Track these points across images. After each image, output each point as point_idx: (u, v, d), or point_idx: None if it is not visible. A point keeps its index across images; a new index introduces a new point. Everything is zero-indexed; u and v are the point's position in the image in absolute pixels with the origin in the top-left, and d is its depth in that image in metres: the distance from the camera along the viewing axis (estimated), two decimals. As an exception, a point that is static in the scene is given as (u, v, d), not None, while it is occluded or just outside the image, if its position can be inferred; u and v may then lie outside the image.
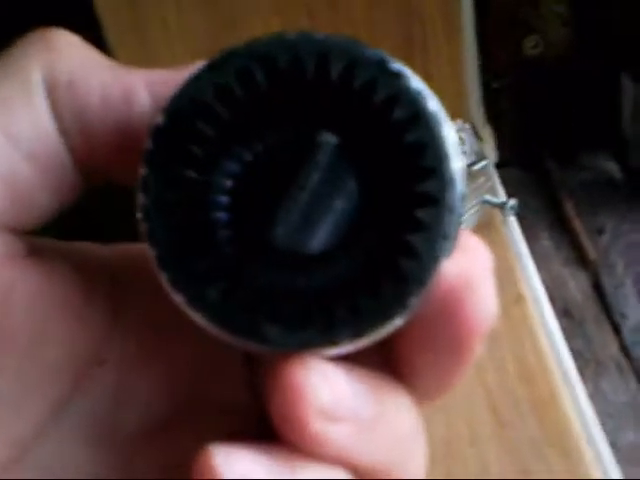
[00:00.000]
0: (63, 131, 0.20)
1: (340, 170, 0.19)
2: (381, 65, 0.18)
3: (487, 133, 0.67)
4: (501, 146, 0.68)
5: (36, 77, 0.20)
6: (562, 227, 0.66)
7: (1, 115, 0.19)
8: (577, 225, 0.65)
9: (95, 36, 0.53)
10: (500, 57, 0.64)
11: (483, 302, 0.19)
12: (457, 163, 0.19)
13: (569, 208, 0.66)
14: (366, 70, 0.18)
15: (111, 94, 0.20)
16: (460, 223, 0.19)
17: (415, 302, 0.18)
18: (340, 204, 0.19)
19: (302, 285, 0.19)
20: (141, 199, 0.19)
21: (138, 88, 0.20)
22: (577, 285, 0.63)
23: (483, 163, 0.63)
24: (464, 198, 0.19)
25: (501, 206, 0.61)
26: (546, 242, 0.65)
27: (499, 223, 0.62)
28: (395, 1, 0.57)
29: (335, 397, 0.18)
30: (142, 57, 0.57)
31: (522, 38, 0.63)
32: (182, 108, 0.19)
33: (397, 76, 0.18)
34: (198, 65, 0.19)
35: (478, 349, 0.19)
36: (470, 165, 0.63)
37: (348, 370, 0.19)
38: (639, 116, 0.65)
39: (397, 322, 0.18)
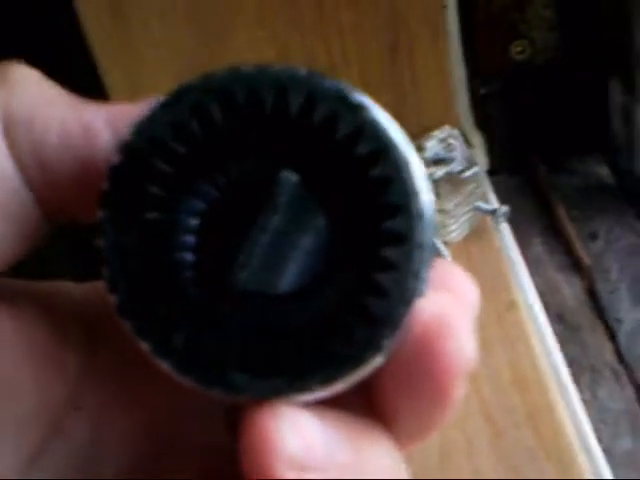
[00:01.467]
0: (22, 169, 0.19)
1: (305, 207, 0.18)
2: (342, 97, 0.18)
3: (477, 139, 0.66)
4: (491, 152, 0.68)
5: None
6: (555, 232, 0.66)
7: None
8: (570, 230, 0.65)
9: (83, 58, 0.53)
10: (488, 62, 0.64)
11: (460, 343, 0.18)
12: (426, 196, 0.18)
13: (561, 213, 0.66)
14: (326, 103, 0.18)
15: (70, 130, 0.19)
16: (433, 259, 0.18)
17: (388, 344, 0.18)
18: (308, 241, 0.18)
19: (270, 329, 0.18)
20: (100, 243, 0.18)
21: (98, 124, 0.19)
22: (571, 291, 0.63)
23: (474, 170, 0.63)
24: (435, 232, 0.18)
25: (493, 213, 0.61)
26: (539, 248, 0.65)
27: (491, 230, 0.62)
28: (381, 9, 0.57)
29: (306, 446, 0.18)
30: (128, 69, 0.57)
31: (509, 43, 0.63)
32: (138, 147, 0.18)
33: (359, 108, 0.18)
34: (155, 100, 0.18)
35: (459, 391, 0.18)
36: (460, 172, 0.62)
37: (322, 416, 0.18)
38: (628, 122, 0.64)
39: (371, 366, 0.18)
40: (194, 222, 0.18)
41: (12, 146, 0.19)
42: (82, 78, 0.55)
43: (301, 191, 0.18)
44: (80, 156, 0.19)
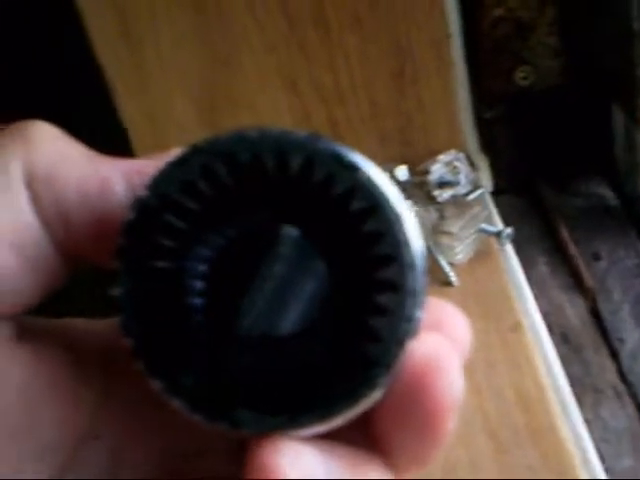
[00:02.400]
0: (44, 222, 0.21)
1: (305, 257, 0.20)
2: (337, 158, 0.19)
3: (482, 162, 0.68)
4: (496, 174, 0.69)
5: (16, 171, 0.20)
6: (558, 253, 0.67)
7: None
8: (573, 251, 0.66)
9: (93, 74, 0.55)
10: (492, 88, 0.65)
11: (449, 381, 0.19)
12: (417, 246, 0.19)
13: (565, 234, 0.67)
14: (323, 164, 0.19)
15: (88, 186, 0.21)
16: (424, 302, 0.19)
17: (383, 382, 0.19)
18: (308, 287, 0.20)
19: (272, 369, 0.19)
20: (115, 291, 0.20)
21: (114, 178, 0.21)
22: (575, 311, 0.64)
23: (478, 192, 0.64)
24: (426, 277, 0.20)
25: (498, 234, 0.62)
26: (543, 268, 0.66)
27: (496, 251, 0.62)
28: (387, 37, 0.58)
29: (306, 478, 0.19)
30: (139, 92, 0.58)
31: (513, 69, 0.64)
32: (151, 204, 0.20)
33: (353, 169, 0.19)
34: (169, 157, 0.20)
35: (450, 425, 0.20)
36: (465, 195, 0.64)
37: (322, 449, 0.19)
38: (631, 146, 0.65)
39: (366, 402, 0.19)
40: (203, 268, 0.20)
41: (34, 200, 0.21)
42: (93, 102, 0.57)
43: (301, 243, 0.20)
44: (97, 209, 0.21)
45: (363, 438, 0.21)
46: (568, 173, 0.70)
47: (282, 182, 0.20)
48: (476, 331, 0.59)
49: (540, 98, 0.66)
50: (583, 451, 0.52)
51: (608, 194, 0.70)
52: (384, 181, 0.20)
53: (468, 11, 0.62)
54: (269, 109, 0.59)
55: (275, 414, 0.19)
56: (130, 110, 0.56)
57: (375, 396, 0.19)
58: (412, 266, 0.19)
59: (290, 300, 0.20)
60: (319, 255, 0.20)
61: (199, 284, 0.20)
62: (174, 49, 0.56)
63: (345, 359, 0.19)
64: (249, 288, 0.20)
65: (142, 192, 0.20)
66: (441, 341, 0.20)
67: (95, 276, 0.20)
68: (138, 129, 0.56)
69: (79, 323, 0.24)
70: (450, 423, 0.20)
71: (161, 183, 0.20)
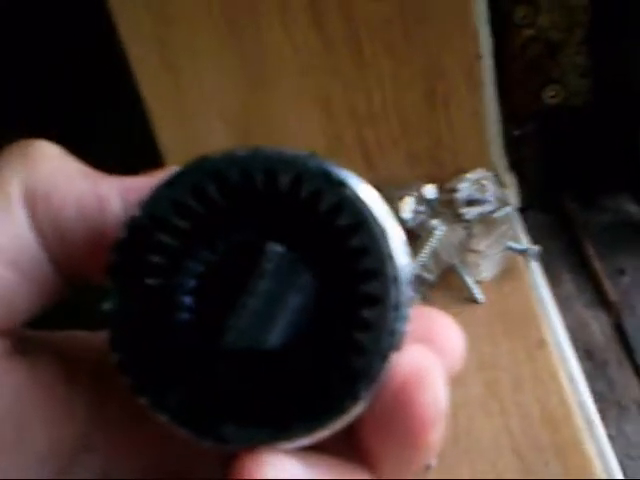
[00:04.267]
0: (41, 238, 0.21)
1: (292, 271, 0.20)
2: (326, 176, 0.20)
3: (509, 179, 0.68)
4: (523, 191, 0.69)
5: (15, 189, 0.21)
6: (584, 269, 0.67)
7: None
8: (598, 267, 0.67)
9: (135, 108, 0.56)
10: (521, 106, 0.65)
11: (433, 394, 0.19)
12: (402, 261, 0.20)
13: (590, 250, 0.68)
14: (312, 181, 0.20)
15: (86, 203, 0.21)
16: (409, 316, 0.20)
17: (366, 395, 0.19)
18: (294, 302, 0.20)
19: (257, 383, 0.20)
20: (105, 307, 0.20)
21: (112, 196, 0.21)
22: (599, 327, 0.64)
23: (506, 210, 0.65)
24: (410, 293, 0.20)
25: (524, 252, 0.63)
26: (568, 285, 0.67)
27: (522, 268, 0.63)
28: (420, 60, 0.59)
29: None
30: (176, 117, 0.60)
31: (542, 88, 0.65)
32: (142, 222, 0.20)
33: (340, 185, 0.20)
34: (164, 175, 0.20)
35: (433, 437, 0.20)
36: (493, 212, 0.64)
37: (307, 461, 0.20)
38: (657, 163, 0.66)
39: (350, 415, 0.20)
40: (192, 283, 0.20)
41: (33, 217, 0.21)
42: (134, 129, 0.58)
43: (287, 258, 0.20)
44: (94, 226, 0.21)
45: (348, 449, 0.21)
46: (595, 189, 0.70)
47: (271, 199, 0.20)
48: (502, 348, 0.60)
49: (568, 116, 0.66)
50: (607, 467, 0.53)
51: (634, 210, 0.70)
52: (371, 197, 0.20)
53: (498, 32, 0.62)
54: (302, 131, 0.60)
55: (261, 428, 0.19)
56: (167, 135, 0.57)
57: (359, 409, 0.20)
58: (395, 280, 0.19)
59: (276, 314, 0.20)
60: (305, 270, 0.20)
61: (187, 299, 0.20)
62: (211, 74, 0.57)
63: (329, 372, 0.19)
64: (235, 303, 0.20)
65: (134, 211, 0.20)
66: (425, 354, 0.20)
67: (98, 290, 0.20)
68: (175, 154, 0.57)
69: (77, 336, 0.24)
70: (433, 435, 0.20)
71: (152, 203, 0.20)
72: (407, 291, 0.20)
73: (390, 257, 0.20)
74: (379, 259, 0.19)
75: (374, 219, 0.20)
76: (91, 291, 0.22)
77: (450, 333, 0.22)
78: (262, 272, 0.20)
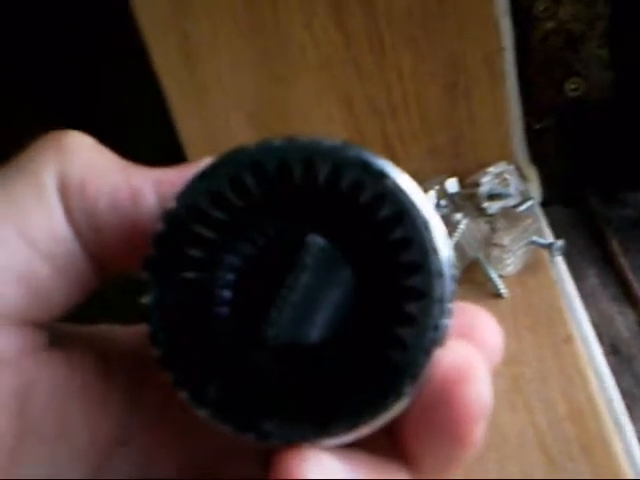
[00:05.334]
0: (76, 231, 0.21)
1: (332, 265, 0.20)
2: (365, 166, 0.19)
3: (531, 173, 0.68)
4: (545, 185, 0.69)
5: (50, 181, 0.21)
6: (608, 264, 0.67)
7: (19, 219, 0.20)
8: (622, 262, 0.66)
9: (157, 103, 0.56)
10: (542, 99, 0.65)
11: (477, 391, 0.19)
12: (445, 254, 0.19)
13: (614, 245, 0.67)
14: (351, 172, 0.19)
15: (120, 195, 0.21)
16: (452, 311, 0.19)
17: (409, 391, 0.19)
18: (335, 296, 0.20)
19: (298, 379, 0.19)
20: (143, 301, 0.20)
21: (145, 189, 0.21)
22: (624, 322, 0.64)
23: (528, 203, 0.64)
24: (454, 286, 0.19)
25: (549, 247, 0.62)
26: (593, 280, 0.66)
27: (547, 263, 0.62)
28: (441, 53, 0.58)
29: None
30: (197, 110, 0.60)
31: (563, 81, 0.64)
32: (179, 215, 0.20)
33: (381, 176, 0.19)
34: (198, 167, 0.20)
35: (477, 434, 0.19)
36: (515, 206, 0.64)
37: (348, 458, 0.19)
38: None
39: (393, 411, 0.19)
40: (231, 277, 0.20)
41: (67, 210, 0.21)
42: (152, 119, 0.58)
43: (328, 251, 0.20)
44: (128, 219, 0.21)
45: (389, 447, 0.21)
46: (617, 184, 0.70)
47: (310, 190, 0.19)
48: (527, 343, 0.60)
49: (590, 109, 0.66)
50: (634, 462, 0.52)
51: (657, 204, 0.70)
52: (412, 188, 0.19)
53: (519, 24, 0.62)
54: (323, 124, 0.59)
55: (302, 424, 0.19)
56: (188, 128, 0.57)
57: (402, 405, 0.19)
58: (440, 274, 0.19)
59: (317, 308, 0.19)
60: (346, 263, 0.20)
61: (227, 293, 0.20)
62: (232, 68, 0.57)
63: (372, 368, 0.19)
64: (276, 297, 0.19)
65: (171, 203, 0.20)
66: (469, 349, 0.20)
67: (134, 282, 0.20)
68: (195, 146, 0.57)
69: (113, 330, 0.24)
70: (478, 432, 0.19)
71: (189, 194, 0.20)
72: (450, 285, 0.19)
73: (434, 250, 0.19)
74: (423, 252, 0.19)
75: (417, 210, 0.19)
76: (126, 285, 0.22)
77: (490, 328, 0.21)
78: (303, 265, 0.20)
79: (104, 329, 0.24)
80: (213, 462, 0.23)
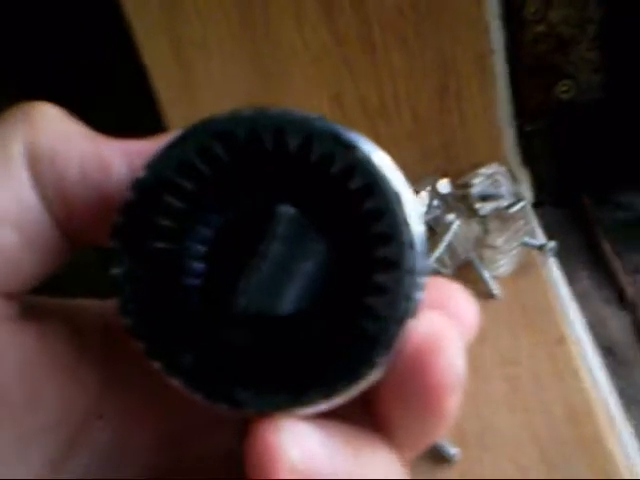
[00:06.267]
0: (45, 201, 0.21)
1: (303, 235, 0.20)
2: (336, 137, 0.19)
3: (523, 174, 0.68)
4: (536, 187, 0.69)
5: (18, 151, 0.20)
6: (600, 266, 0.67)
7: None
8: (615, 264, 0.66)
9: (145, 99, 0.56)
10: (533, 101, 0.65)
11: (450, 360, 0.19)
12: (417, 227, 0.19)
13: (606, 247, 0.67)
14: (322, 143, 0.19)
15: (89, 165, 0.21)
16: (425, 282, 0.19)
17: (382, 361, 0.19)
18: (307, 266, 0.20)
19: (272, 348, 0.19)
20: (113, 271, 0.19)
21: (115, 159, 0.21)
22: (618, 324, 0.64)
23: (520, 204, 0.64)
24: (426, 259, 0.19)
25: (541, 248, 0.62)
26: (586, 281, 0.66)
27: (539, 264, 0.62)
28: (432, 54, 0.59)
29: (306, 455, 0.19)
30: (187, 108, 0.59)
31: (554, 83, 0.64)
32: (149, 184, 0.19)
33: (352, 147, 0.19)
34: (166, 139, 0.20)
35: (451, 404, 0.19)
36: (507, 207, 0.64)
37: (323, 427, 0.19)
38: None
39: (366, 381, 0.19)
40: (201, 249, 0.20)
41: (36, 179, 0.21)
42: (143, 117, 0.58)
43: (299, 222, 0.20)
44: (98, 189, 0.21)
45: (365, 417, 0.21)
46: (609, 185, 0.70)
47: (280, 160, 0.19)
48: (521, 344, 0.59)
49: (580, 111, 0.66)
50: (630, 463, 0.52)
51: (648, 206, 0.70)
52: (384, 160, 0.19)
53: (510, 27, 0.62)
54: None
55: (276, 393, 0.19)
56: (178, 126, 0.57)
57: (375, 375, 0.19)
58: (411, 245, 0.19)
59: (288, 279, 0.19)
60: (317, 234, 0.20)
61: (197, 265, 0.20)
62: (223, 68, 0.57)
63: (345, 338, 0.19)
64: (246, 267, 0.19)
65: (140, 172, 0.20)
66: (442, 320, 0.20)
67: (103, 255, 0.20)
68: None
69: (80, 303, 0.24)
70: (452, 403, 0.19)
71: (159, 164, 0.19)
72: (423, 258, 0.19)
73: (405, 222, 0.19)
74: (394, 223, 0.19)
75: (388, 182, 0.19)
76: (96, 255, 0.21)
77: (464, 301, 0.21)
78: (273, 235, 0.19)
79: (78, 302, 0.24)
80: (190, 433, 0.23)
